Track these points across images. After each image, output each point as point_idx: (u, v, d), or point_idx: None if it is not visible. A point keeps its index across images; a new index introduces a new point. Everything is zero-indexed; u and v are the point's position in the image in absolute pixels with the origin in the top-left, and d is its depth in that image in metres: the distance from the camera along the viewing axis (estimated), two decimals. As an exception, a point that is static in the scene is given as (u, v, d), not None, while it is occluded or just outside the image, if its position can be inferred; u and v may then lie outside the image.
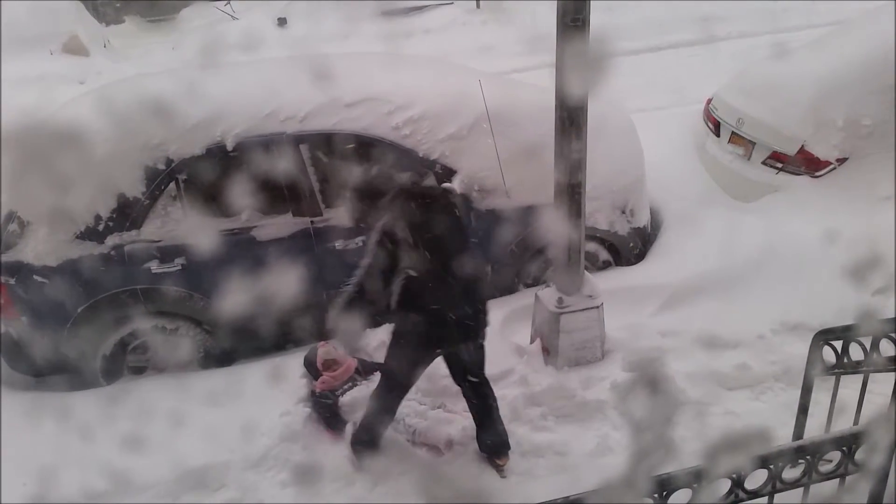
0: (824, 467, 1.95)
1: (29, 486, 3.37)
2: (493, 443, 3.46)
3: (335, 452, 3.57)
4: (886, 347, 2.52)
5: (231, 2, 14.38)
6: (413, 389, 3.51)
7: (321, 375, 3.83)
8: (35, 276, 3.95)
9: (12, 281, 3.96)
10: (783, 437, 2.78)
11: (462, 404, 3.57)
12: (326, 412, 3.73)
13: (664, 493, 1.71)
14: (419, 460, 3.54)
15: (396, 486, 3.36)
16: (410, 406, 3.73)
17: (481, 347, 3.32)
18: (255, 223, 4.11)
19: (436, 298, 3.04)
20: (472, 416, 3.49)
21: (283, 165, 4.05)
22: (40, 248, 3.92)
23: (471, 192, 4.20)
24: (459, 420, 3.66)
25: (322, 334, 4.27)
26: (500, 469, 3.49)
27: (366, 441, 3.45)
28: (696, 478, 1.69)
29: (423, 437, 3.64)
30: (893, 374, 2.49)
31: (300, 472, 3.51)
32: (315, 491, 3.42)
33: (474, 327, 3.21)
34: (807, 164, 4.91)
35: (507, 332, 4.20)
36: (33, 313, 4.05)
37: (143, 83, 4.47)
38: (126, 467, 3.39)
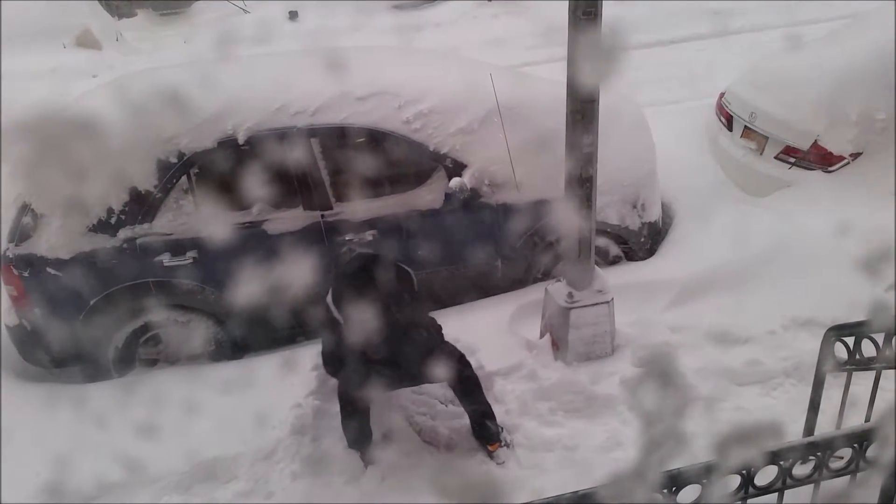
0: (835, 464, 1.95)
1: (42, 477, 3.40)
2: (483, 433, 3.56)
3: (344, 445, 3.59)
4: (899, 344, 2.50)
5: (243, -5, 14.40)
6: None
7: None
8: (48, 269, 3.98)
9: (26, 273, 3.99)
10: (794, 433, 2.77)
11: None
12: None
13: (674, 489, 1.71)
14: (428, 454, 3.56)
15: (405, 479, 3.38)
16: (420, 401, 3.75)
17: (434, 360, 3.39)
18: (266, 217, 4.12)
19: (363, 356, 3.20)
20: (465, 409, 3.58)
21: (294, 159, 4.06)
22: (53, 240, 3.95)
23: (481, 187, 4.20)
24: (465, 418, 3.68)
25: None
26: (491, 455, 3.55)
27: (356, 442, 3.52)
28: (706, 473, 1.69)
29: (427, 435, 3.65)
30: (906, 370, 2.48)
31: (310, 464, 3.53)
32: (325, 483, 3.44)
33: (411, 369, 3.32)
34: (820, 158, 4.88)
35: (516, 326, 4.20)
36: (46, 305, 4.08)
37: (155, 76, 4.49)
38: (138, 459, 3.42)
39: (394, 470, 3.44)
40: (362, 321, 3.04)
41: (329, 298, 3.17)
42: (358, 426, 3.49)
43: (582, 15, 3.16)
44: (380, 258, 3.20)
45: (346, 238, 4.16)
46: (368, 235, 4.17)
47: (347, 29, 9.89)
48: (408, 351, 3.21)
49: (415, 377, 3.43)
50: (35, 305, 4.08)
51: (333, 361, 3.36)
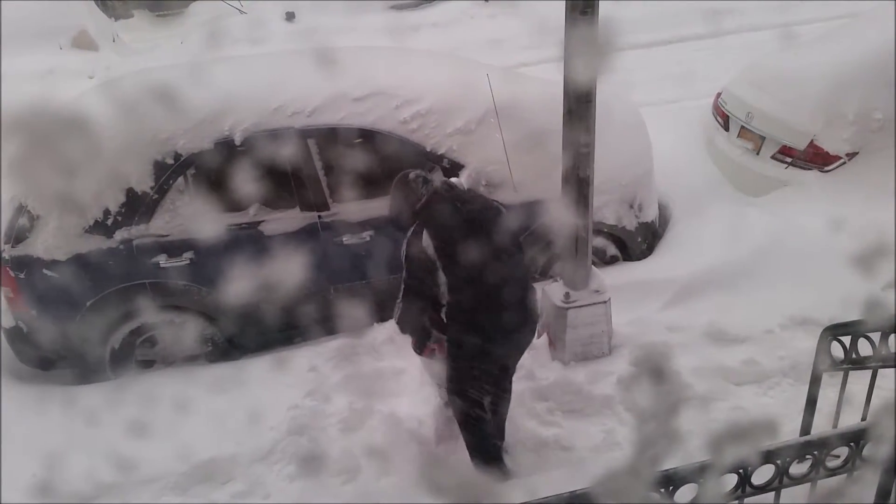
0: (832, 463, 1.95)
1: (39, 478, 3.39)
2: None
3: (341, 446, 3.59)
4: (895, 342, 2.51)
5: (239, -4, 14.38)
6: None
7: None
8: (44, 270, 3.97)
9: (22, 275, 3.98)
10: (791, 432, 2.77)
11: None
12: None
13: (670, 488, 1.71)
14: (424, 453, 3.55)
15: (401, 479, 3.37)
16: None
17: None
18: (262, 217, 4.12)
19: (487, 314, 3.00)
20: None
21: (290, 160, 4.06)
22: (49, 242, 3.94)
23: (478, 187, 4.19)
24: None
25: (329, 328, 4.30)
26: None
27: (488, 460, 3.33)
28: (703, 473, 1.69)
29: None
30: (902, 369, 2.48)
31: (307, 465, 3.53)
32: (321, 484, 3.44)
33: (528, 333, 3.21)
34: (816, 158, 4.88)
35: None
36: (42, 307, 4.07)
37: (152, 77, 4.48)
38: (135, 460, 3.42)
39: (390, 469, 3.43)
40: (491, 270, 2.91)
41: (432, 243, 2.94)
42: (496, 424, 3.28)
43: (579, 14, 3.16)
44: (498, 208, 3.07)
45: (344, 239, 4.16)
46: (365, 236, 4.17)
47: (344, 29, 9.88)
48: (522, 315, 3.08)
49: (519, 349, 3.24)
50: (31, 307, 4.07)
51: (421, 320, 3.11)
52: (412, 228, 3.06)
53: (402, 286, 3.12)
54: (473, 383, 3.11)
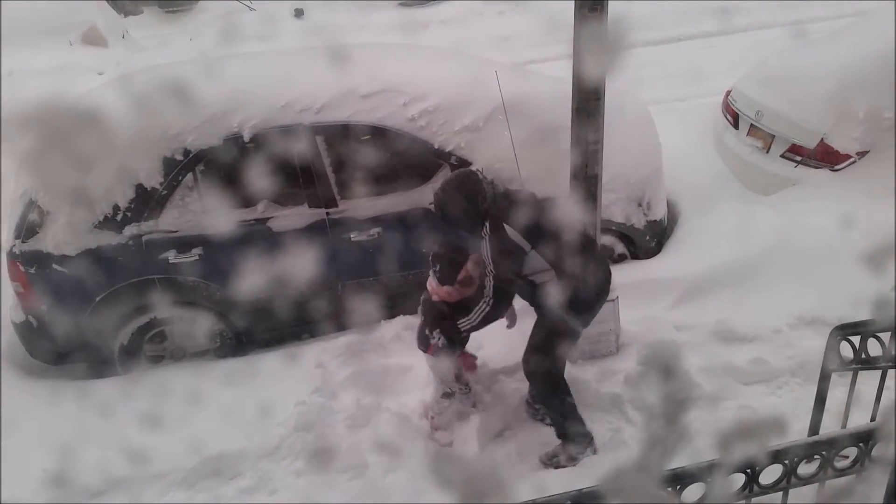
0: (840, 463, 1.94)
1: (49, 472, 3.41)
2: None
3: (348, 442, 3.60)
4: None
5: (248, -8, 14.41)
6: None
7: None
8: (54, 266, 4.00)
9: (32, 269, 4.01)
10: (799, 431, 2.77)
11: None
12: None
13: (678, 487, 1.70)
14: (431, 449, 3.56)
15: (408, 475, 3.38)
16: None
17: None
18: (271, 214, 4.13)
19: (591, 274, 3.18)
20: None
21: (299, 156, 4.07)
22: (59, 237, 3.96)
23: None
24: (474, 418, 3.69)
25: (337, 324, 4.32)
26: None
27: (575, 436, 3.41)
28: (711, 472, 1.69)
29: (438, 422, 3.65)
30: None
31: (314, 461, 3.54)
32: (328, 479, 3.45)
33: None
34: (826, 157, 4.86)
35: (521, 323, 4.18)
36: (52, 302, 4.10)
37: (162, 73, 4.49)
38: (143, 454, 3.44)
39: (397, 464, 3.44)
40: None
41: (518, 232, 3.06)
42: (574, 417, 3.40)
43: (588, 11, 3.15)
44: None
45: (352, 236, 4.16)
46: (372, 233, 4.17)
47: (353, 26, 9.91)
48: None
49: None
50: (41, 302, 4.09)
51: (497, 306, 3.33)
52: (486, 228, 3.12)
53: (492, 284, 3.25)
54: (565, 341, 3.34)
